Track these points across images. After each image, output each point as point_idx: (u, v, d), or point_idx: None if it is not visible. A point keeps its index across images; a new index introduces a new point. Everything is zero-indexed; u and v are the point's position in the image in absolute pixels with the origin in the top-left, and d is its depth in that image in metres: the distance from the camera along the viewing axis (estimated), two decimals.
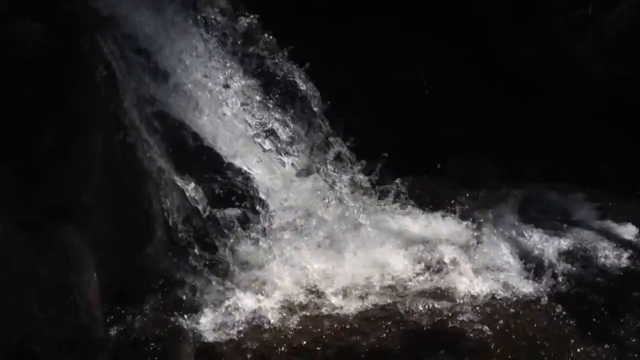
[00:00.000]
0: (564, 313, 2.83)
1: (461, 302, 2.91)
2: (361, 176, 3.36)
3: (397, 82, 4.05)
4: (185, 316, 2.71)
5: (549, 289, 3.01)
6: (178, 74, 2.97)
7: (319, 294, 2.95)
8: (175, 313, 2.70)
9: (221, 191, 2.99)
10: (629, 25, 3.82)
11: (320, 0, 3.97)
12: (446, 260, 3.20)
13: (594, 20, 3.87)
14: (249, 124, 3.13)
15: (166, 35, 2.96)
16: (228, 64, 3.08)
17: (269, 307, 2.83)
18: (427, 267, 3.17)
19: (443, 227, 3.45)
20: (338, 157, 3.29)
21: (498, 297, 2.94)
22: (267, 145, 3.12)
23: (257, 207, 3.05)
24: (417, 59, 4.10)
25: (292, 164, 3.23)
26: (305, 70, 3.16)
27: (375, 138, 3.27)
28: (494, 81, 4.13)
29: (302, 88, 3.19)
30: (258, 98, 3.13)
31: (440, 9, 4.01)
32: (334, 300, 2.90)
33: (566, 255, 3.29)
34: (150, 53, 2.83)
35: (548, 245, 3.35)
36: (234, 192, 3.03)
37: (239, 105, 3.10)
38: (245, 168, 3.04)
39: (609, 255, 3.29)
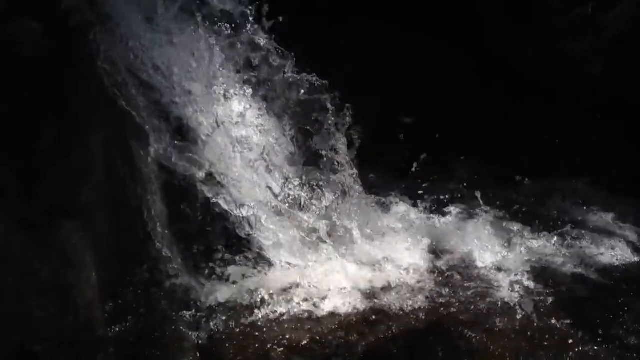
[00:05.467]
0: (564, 313, 2.83)
1: (461, 302, 2.91)
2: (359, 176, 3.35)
3: (396, 82, 4.06)
4: (185, 315, 2.71)
5: (548, 289, 3.01)
6: (178, 75, 2.96)
7: (319, 293, 2.95)
8: (175, 312, 2.71)
9: (220, 191, 2.98)
10: (628, 25, 3.82)
11: (318, 0, 3.97)
12: (446, 260, 3.21)
13: (593, 20, 3.87)
14: (248, 125, 3.13)
15: (166, 36, 2.96)
16: (229, 67, 3.08)
17: (269, 307, 2.84)
18: (427, 267, 3.17)
19: (442, 227, 3.45)
20: (338, 158, 3.29)
21: (497, 297, 2.94)
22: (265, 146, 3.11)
23: (255, 207, 3.04)
24: (415, 59, 4.10)
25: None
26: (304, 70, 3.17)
27: (374, 138, 3.26)
28: (493, 81, 4.13)
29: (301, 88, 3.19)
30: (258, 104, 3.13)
31: (439, 9, 4.01)
32: (334, 300, 2.90)
33: (566, 255, 3.29)
34: (150, 53, 2.83)
35: (548, 245, 3.36)
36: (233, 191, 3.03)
37: (239, 108, 3.10)
38: (242, 168, 3.04)
39: (609, 255, 3.29)
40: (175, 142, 2.85)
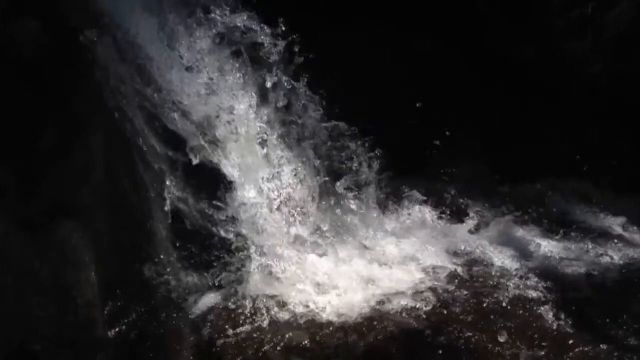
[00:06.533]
0: (564, 313, 2.83)
1: (461, 302, 2.91)
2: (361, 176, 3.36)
3: (397, 82, 4.06)
4: (185, 315, 2.71)
5: (548, 289, 3.01)
6: (177, 74, 2.97)
7: (319, 294, 2.95)
8: (175, 312, 2.71)
9: (219, 191, 2.99)
10: (628, 25, 3.81)
11: (319, 0, 3.97)
12: (446, 261, 3.21)
13: (593, 20, 3.87)
14: (249, 127, 3.13)
15: (165, 36, 2.96)
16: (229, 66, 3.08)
17: (268, 307, 2.84)
18: (427, 268, 3.17)
19: (441, 228, 3.45)
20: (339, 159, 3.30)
21: (497, 298, 2.94)
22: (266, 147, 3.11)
23: (255, 208, 3.05)
24: (416, 59, 4.10)
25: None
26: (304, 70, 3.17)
27: (374, 138, 3.26)
28: (494, 81, 4.12)
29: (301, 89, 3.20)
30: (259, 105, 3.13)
31: (439, 9, 4.01)
32: (334, 301, 2.90)
33: (566, 255, 3.29)
34: (149, 53, 2.84)
35: (547, 245, 3.36)
36: (232, 191, 3.04)
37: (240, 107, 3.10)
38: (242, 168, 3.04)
39: (608, 255, 3.29)
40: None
